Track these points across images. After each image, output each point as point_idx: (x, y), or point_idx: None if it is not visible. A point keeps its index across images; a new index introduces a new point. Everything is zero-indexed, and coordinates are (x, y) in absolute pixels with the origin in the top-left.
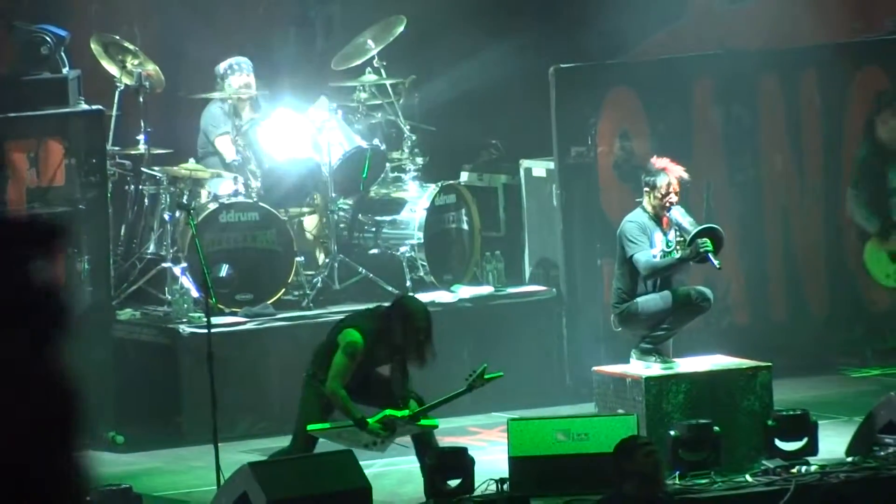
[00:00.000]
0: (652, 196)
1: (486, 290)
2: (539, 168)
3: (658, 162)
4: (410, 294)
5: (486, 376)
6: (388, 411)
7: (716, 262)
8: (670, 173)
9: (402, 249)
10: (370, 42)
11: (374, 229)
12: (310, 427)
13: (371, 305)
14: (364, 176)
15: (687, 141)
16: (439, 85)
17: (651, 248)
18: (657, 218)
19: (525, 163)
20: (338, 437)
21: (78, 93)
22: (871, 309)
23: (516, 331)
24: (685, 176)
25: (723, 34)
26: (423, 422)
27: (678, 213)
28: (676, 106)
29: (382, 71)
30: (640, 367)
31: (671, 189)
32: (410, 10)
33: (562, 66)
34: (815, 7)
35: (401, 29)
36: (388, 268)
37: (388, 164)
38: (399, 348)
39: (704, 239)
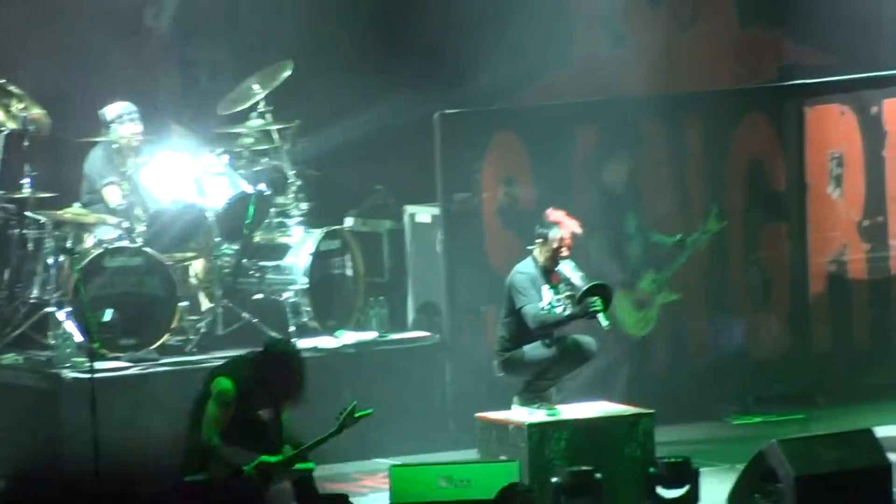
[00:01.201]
0: (544, 248)
1: (370, 335)
2: (423, 214)
3: (552, 215)
4: (280, 338)
5: (355, 414)
6: (263, 457)
7: (604, 322)
8: (563, 227)
9: (287, 295)
10: (256, 86)
11: (258, 274)
12: (186, 478)
13: (244, 352)
14: (248, 221)
15: (569, 187)
16: (324, 130)
17: (540, 301)
18: (547, 270)
19: (409, 209)
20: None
21: None
22: (753, 356)
23: (400, 377)
24: (578, 231)
25: (606, 80)
26: (300, 465)
27: (568, 268)
28: (560, 152)
29: (268, 116)
30: (523, 414)
31: (563, 243)
32: (297, 55)
33: (446, 111)
34: (700, 53)
35: (287, 74)
36: (272, 313)
37: (272, 210)
38: (275, 393)
39: (595, 298)
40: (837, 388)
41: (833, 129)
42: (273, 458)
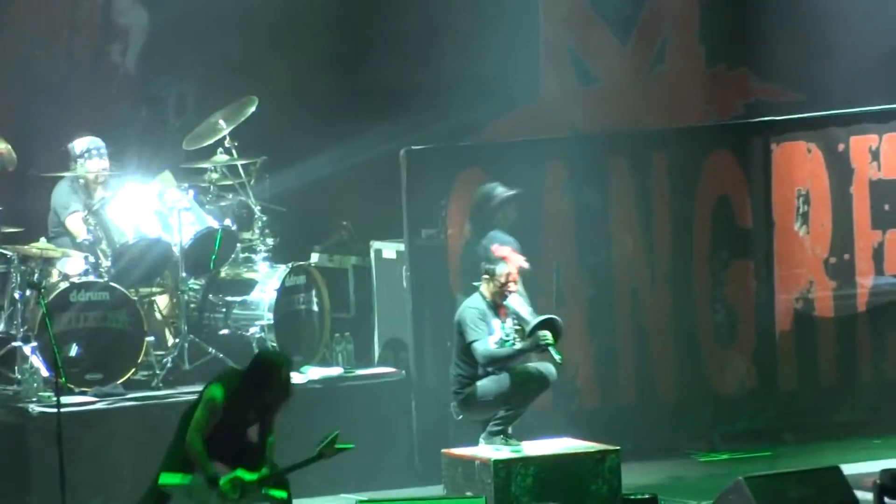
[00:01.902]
0: (491, 284)
1: (336, 371)
2: (389, 250)
3: (499, 251)
4: (271, 347)
5: (336, 445)
6: (239, 471)
7: (556, 356)
8: (510, 262)
9: (252, 330)
10: (222, 122)
11: (224, 310)
12: (162, 477)
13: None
14: (214, 256)
15: (538, 223)
16: (290, 166)
17: (489, 336)
18: (494, 305)
19: (375, 244)
20: (188, 494)
21: None
22: (720, 393)
23: (365, 412)
24: (525, 265)
25: (573, 116)
26: (273, 492)
27: (516, 302)
28: (527, 188)
29: (234, 151)
30: (489, 450)
31: (510, 278)
32: (262, 90)
33: (412, 147)
34: (667, 90)
35: (252, 109)
36: (238, 348)
37: (238, 245)
38: (262, 399)
39: (545, 332)
40: (804, 426)
41: (800, 165)
42: (248, 476)
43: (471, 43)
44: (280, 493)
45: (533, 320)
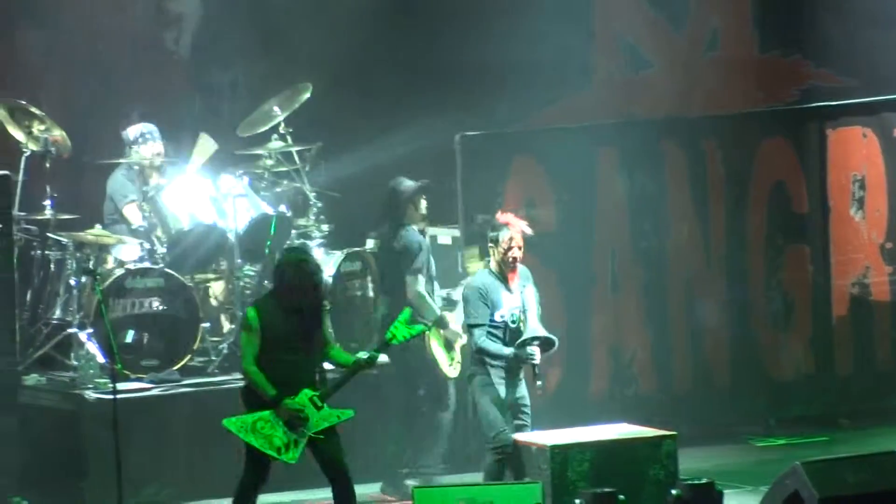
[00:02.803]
0: (496, 252)
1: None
2: (445, 235)
3: (502, 217)
4: (294, 245)
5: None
6: (304, 391)
7: (538, 382)
8: (512, 227)
9: None
10: (276, 109)
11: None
12: (224, 421)
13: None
14: (269, 242)
15: (591, 209)
16: (345, 152)
17: (497, 310)
18: (503, 275)
19: (430, 230)
20: (252, 430)
21: None
22: (776, 378)
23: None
24: (528, 231)
25: (626, 102)
26: (340, 413)
27: (529, 294)
28: (581, 174)
29: (288, 137)
30: (546, 436)
31: (513, 243)
32: (316, 76)
33: (467, 133)
34: (720, 76)
35: (307, 96)
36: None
37: (293, 231)
38: (303, 305)
39: (534, 351)
40: (860, 410)
41: (855, 151)
42: (312, 394)
43: (525, 29)
44: (346, 413)
45: (528, 333)
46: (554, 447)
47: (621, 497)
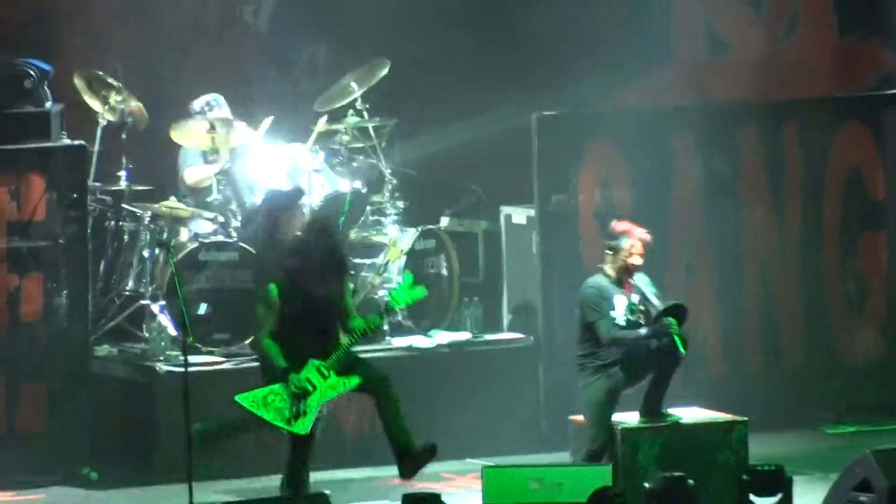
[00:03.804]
0: (615, 259)
1: (464, 336)
2: (519, 215)
3: (619, 225)
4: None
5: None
6: (311, 362)
7: (680, 348)
8: (633, 235)
9: (381, 293)
10: (353, 84)
11: (352, 272)
12: (237, 396)
13: None
14: (343, 218)
15: (666, 192)
16: (422, 130)
17: (612, 312)
18: (619, 282)
19: (505, 209)
20: (263, 404)
21: (60, 127)
22: (848, 364)
23: (493, 377)
24: (647, 238)
25: (703, 85)
26: (347, 380)
27: (642, 282)
28: (656, 156)
29: (365, 113)
30: (618, 418)
31: (634, 251)
32: (394, 53)
33: (544, 113)
34: (799, 60)
35: (384, 72)
36: (366, 311)
37: (368, 208)
38: (321, 267)
39: (671, 319)
40: None
41: None
42: (298, 379)
43: (604, 9)
44: (352, 381)
45: (660, 305)
46: (625, 430)
47: (691, 481)
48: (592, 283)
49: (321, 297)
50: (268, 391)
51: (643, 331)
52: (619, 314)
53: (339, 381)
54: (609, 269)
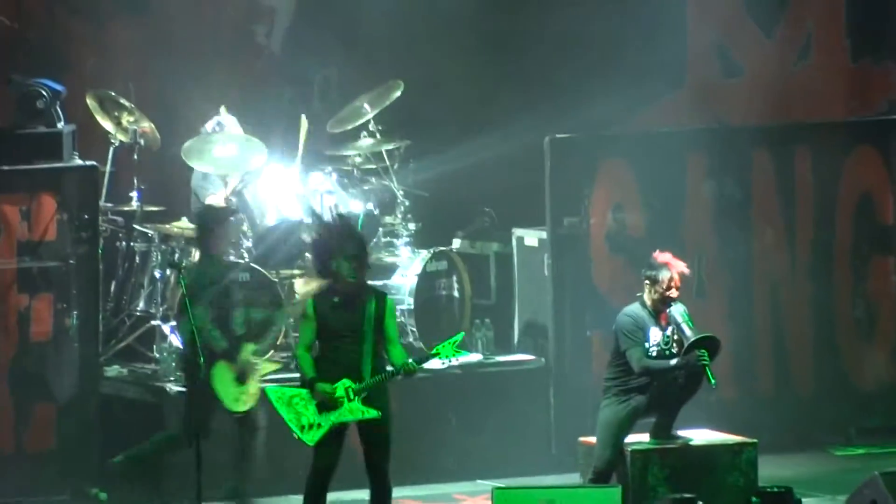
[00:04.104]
0: (653, 290)
1: (475, 357)
2: (531, 237)
3: (660, 256)
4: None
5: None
6: (341, 382)
7: (711, 380)
8: (672, 268)
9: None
10: (366, 106)
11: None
12: (266, 388)
13: None
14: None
15: (679, 214)
16: (434, 151)
17: (646, 342)
18: (656, 312)
19: (517, 231)
20: (287, 403)
21: (72, 148)
22: (858, 387)
23: (504, 399)
24: (687, 271)
25: (718, 108)
26: (367, 410)
27: (678, 314)
28: (669, 179)
29: (378, 135)
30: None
31: (672, 284)
32: (408, 75)
33: (557, 136)
34: (811, 84)
35: (397, 94)
36: None
37: (380, 229)
38: (342, 281)
39: (703, 352)
40: None
41: None
42: (326, 387)
43: (617, 33)
44: (371, 413)
45: (692, 336)
46: (634, 451)
47: (700, 503)
48: (629, 312)
49: (349, 318)
50: (295, 393)
51: (674, 361)
52: (653, 344)
53: (359, 409)
54: (647, 298)
